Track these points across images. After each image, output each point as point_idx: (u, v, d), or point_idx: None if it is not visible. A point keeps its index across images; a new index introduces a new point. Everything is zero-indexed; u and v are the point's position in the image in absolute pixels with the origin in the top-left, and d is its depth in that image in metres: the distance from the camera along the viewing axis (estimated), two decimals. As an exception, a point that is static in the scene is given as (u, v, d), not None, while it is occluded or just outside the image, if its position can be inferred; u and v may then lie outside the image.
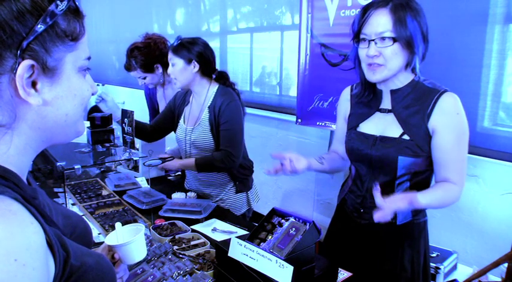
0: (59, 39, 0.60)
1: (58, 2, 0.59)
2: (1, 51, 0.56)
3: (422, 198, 1.26)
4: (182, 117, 2.24)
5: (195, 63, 2.03)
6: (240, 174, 2.20)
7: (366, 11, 1.33)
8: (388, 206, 1.22)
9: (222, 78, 2.15)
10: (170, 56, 2.06)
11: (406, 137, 1.37)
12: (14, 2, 0.56)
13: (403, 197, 1.25)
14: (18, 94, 0.58)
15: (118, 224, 1.08)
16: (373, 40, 1.30)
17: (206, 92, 2.11)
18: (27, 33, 0.56)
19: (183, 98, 2.26)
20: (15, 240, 0.53)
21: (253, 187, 2.32)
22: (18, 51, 0.56)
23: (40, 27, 0.57)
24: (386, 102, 1.44)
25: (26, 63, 0.57)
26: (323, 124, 2.66)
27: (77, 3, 0.64)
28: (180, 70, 2.03)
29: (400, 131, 1.38)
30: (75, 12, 0.63)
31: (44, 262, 0.56)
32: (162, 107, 2.70)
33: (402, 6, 1.28)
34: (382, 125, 1.43)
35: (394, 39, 1.28)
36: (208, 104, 2.10)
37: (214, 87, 2.12)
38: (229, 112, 2.04)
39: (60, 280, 0.60)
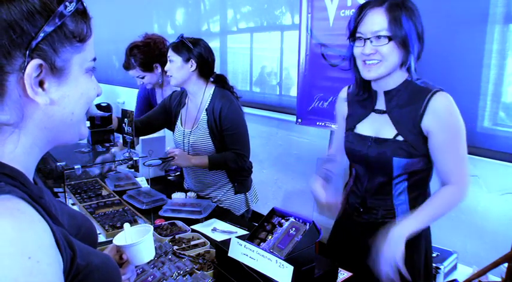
0: (66, 40, 0.61)
1: (67, 4, 0.60)
2: (11, 50, 0.56)
3: (410, 225, 1.32)
4: (179, 119, 2.23)
5: (193, 62, 2.03)
6: (239, 175, 2.20)
7: (361, 10, 1.35)
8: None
9: (220, 82, 2.15)
10: (170, 52, 2.05)
11: (400, 137, 1.38)
12: (24, 2, 0.57)
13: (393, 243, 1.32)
14: (26, 93, 0.59)
15: (126, 225, 1.08)
16: (368, 39, 1.32)
17: (202, 93, 2.11)
18: (36, 33, 0.57)
19: (179, 99, 2.25)
20: (26, 238, 0.54)
21: (252, 188, 2.32)
22: (27, 51, 0.57)
23: (49, 28, 0.58)
24: (380, 103, 1.45)
25: (35, 62, 0.58)
26: (323, 124, 2.66)
27: (84, 4, 0.65)
28: (177, 67, 2.03)
29: (394, 132, 1.39)
30: (82, 14, 0.64)
31: (56, 259, 0.57)
32: None
33: (398, 6, 1.30)
34: (377, 125, 1.44)
35: (389, 38, 1.30)
36: (206, 106, 2.09)
37: (210, 89, 2.11)
38: (232, 115, 2.04)
39: (66, 279, 0.61)
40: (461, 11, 2.18)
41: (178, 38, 2.05)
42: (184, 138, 2.16)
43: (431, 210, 1.37)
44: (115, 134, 2.38)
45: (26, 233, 0.54)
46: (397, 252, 1.30)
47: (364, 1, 1.40)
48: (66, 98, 0.64)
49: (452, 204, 1.38)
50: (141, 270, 1.36)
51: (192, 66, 2.03)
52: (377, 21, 1.30)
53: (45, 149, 0.68)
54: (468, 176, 1.38)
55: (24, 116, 0.61)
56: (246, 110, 2.18)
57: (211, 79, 2.15)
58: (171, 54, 2.05)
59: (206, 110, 2.09)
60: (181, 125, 2.20)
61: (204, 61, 2.05)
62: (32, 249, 0.53)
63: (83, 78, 0.66)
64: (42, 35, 0.58)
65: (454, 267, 1.85)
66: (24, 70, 0.57)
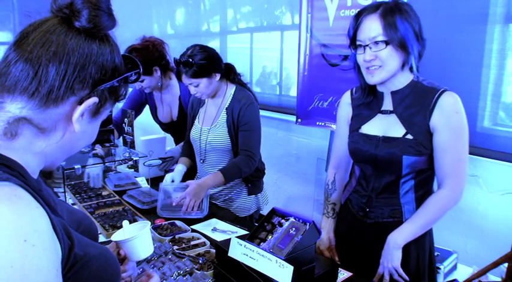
0: (115, 95, 0.76)
1: (133, 73, 0.78)
2: (89, 82, 0.69)
3: (406, 234, 1.39)
4: (197, 117, 2.24)
5: (216, 74, 2.02)
6: (253, 176, 2.20)
7: (358, 17, 1.38)
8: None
9: (231, 73, 2.14)
10: (189, 80, 1.99)
11: (409, 136, 1.39)
12: (117, 56, 0.74)
13: (387, 258, 1.42)
14: (69, 115, 0.70)
15: (125, 222, 1.09)
16: (367, 45, 1.35)
17: (224, 93, 2.12)
18: (107, 81, 0.72)
19: (198, 100, 2.25)
20: (23, 222, 0.57)
21: (263, 189, 2.33)
22: (97, 89, 0.71)
23: (115, 83, 0.74)
24: (387, 104, 1.46)
25: (95, 99, 0.71)
26: (323, 124, 2.66)
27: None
28: (205, 86, 2.01)
29: (403, 130, 1.40)
30: (129, 83, 0.80)
31: (52, 244, 0.60)
32: (160, 112, 2.65)
33: (391, 10, 1.33)
34: (385, 125, 1.45)
35: (386, 42, 1.32)
36: (226, 105, 2.10)
37: (231, 89, 2.12)
38: (249, 114, 2.06)
39: (64, 267, 0.63)
40: (461, 11, 2.18)
41: (185, 65, 1.95)
42: (201, 135, 2.16)
43: (426, 217, 1.41)
44: (115, 134, 2.38)
45: (23, 217, 0.57)
46: (394, 260, 1.39)
47: (366, 2, 1.41)
48: (85, 133, 0.75)
49: (445, 209, 1.41)
50: (141, 270, 1.36)
51: (217, 76, 2.03)
52: (373, 27, 1.33)
53: (42, 165, 0.73)
54: (464, 180, 1.39)
55: (55, 129, 0.70)
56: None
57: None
58: (191, 81, 1.98)
59: (226, 109, 2.10)
60: (199, 123, 2.21)
61: (220, 65, 2.04)
62: (28, 232, 0.56)
63: (98, 125, 0.78)
64: (109, 85, 0.72)
65: (454, 267, 1.85)
66: (84, 100, 0.69)
